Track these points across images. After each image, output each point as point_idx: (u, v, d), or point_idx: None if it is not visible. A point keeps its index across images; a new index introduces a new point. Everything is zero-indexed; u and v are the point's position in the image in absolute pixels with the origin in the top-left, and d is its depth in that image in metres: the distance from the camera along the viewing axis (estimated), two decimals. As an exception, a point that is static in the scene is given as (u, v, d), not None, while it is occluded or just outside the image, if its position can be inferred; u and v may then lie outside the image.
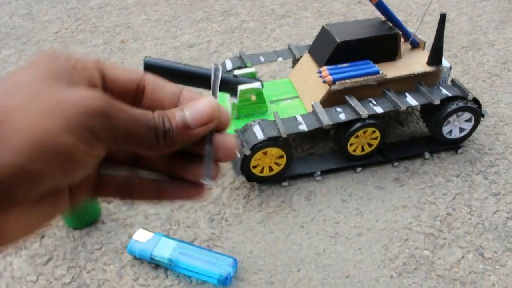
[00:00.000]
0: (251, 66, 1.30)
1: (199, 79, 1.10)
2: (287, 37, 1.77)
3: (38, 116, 0.19)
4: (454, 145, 1.24)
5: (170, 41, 1.80)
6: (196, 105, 0.24)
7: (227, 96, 1.22)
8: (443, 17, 1.14)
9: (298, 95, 1.26)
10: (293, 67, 1.44)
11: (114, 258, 1.00)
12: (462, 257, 0.99)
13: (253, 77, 1.21)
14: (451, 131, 1.21)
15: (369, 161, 1.20)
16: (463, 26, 1.77)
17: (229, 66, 1.31)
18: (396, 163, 1.21)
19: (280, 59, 1.35)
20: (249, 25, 1.87)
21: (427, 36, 1.60)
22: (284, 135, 1.06)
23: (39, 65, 0.22)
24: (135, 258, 1.00)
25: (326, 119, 1.09)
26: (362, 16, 1.88)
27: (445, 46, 1.40)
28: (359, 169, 1.19)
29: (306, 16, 1.91)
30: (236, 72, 1.21)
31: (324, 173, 1.18)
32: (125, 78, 0.25)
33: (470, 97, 1.16)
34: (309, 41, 1.67)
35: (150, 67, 1.05)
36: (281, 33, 1.80)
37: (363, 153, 1.18)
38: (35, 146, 0.19)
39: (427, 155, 1.22)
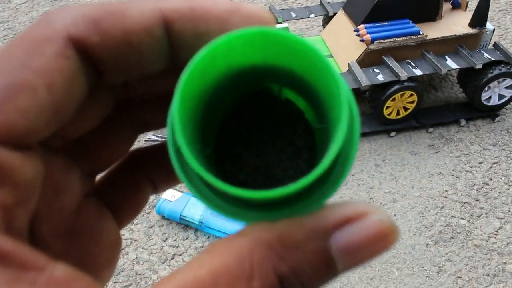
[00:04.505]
0: (282, 22, 1.23)
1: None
2: (314, -7, 1.69)
3: None
4: (492, 113, 1.19)
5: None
6: (352, 230, 0.13)
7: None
8: (492, -25, 1.07)
9: (331, 54, 1.20)
10: (323, 25, 1.37)
11: (141, 217, 0.97)
12: (500, 227, 0.96)
13: (286, 33, 1.15)
14: (490, 97, 1.16)
15: (403, 125, 1.15)
16: (499, -12, 1.69)
17: (258, 21, 1.24)
18: (430, 129, 1.16)
19: (312, 15, 1.28)
20: (273, -20, 1.78)
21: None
22: (320, 96, 1.01)
23: None
24: (163, 218, 0.97)
25: (364, 80, 1.04)
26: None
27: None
28: (393, 133, 1.15)
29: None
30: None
31: (357, 136, 1.14)
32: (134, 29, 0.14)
33: (514, 62, 1.11)
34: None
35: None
36: (307, -11, 1.71)
37: (398, 117, 1.13)
38: None
39: (462, 122, 1.18)
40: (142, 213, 0.98)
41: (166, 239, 0.94)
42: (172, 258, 0.91)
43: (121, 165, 0.19)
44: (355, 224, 0.13)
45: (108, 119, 0.17)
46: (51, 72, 0.13)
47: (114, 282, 0.89)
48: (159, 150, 0.19)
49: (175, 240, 0.94)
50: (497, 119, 1.19)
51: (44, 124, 0.13)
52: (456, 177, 1.05)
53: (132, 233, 0.95)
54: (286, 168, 0.17)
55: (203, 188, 0.14)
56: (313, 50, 0.13)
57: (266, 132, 0.18)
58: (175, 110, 0.13)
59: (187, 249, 0.92)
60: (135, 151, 0.20)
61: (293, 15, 1.27)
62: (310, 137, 0.18)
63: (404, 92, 1.07)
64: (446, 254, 0.91)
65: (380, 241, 0.13)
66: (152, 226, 0.96)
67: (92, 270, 0.17)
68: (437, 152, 1.11)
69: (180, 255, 0.91)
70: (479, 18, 1.12)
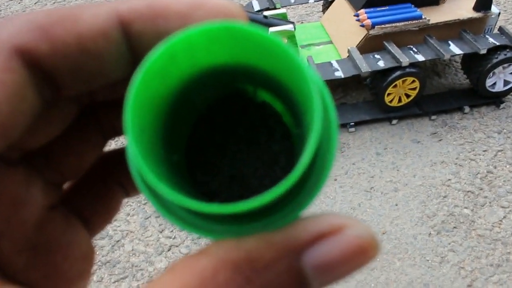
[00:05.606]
0: (281, 7, 1.20)
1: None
2: (314, -21, 1.65)
3: None
4: (496, 99, 1.16)
5: (188, -19, 1.69)
6: (327, 246, 0.12)
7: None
8: (497, -44, 1.03)
9: (331, 40, 1.17)
10: (323, 10, 1.34)
11: (137, 208, 0.96)
12: (504, 217, 0.94)
13: (284, 18, 1.12)
14: (494, 83, 1.13)
15: (405, 113, 1.12)
16: (505, -29, 1.64)
17: (256, 7, 1.21)
18: (433, 117, 1.13)
19: (311, 0, 1.25)
20: (272, -34, 1.74)
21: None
22: (319, 83, 0.99)
23: None
24: (159, 208, 0.95)
25: (364, 66, 1.01)
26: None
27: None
28: (394, 121, 1.12)
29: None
30: (266, 13, 1.12)
31: (358, 124, 1.11)
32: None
33: (520, 47, 1.07)
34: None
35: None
36: (308, -25, 1.68)
37: (400, 104, 1.10)
38: None
39: (466, 109, 1.15)
40: (138, 204, 0.97)
41: (162, 230, 0.92)
42: (169, 250, 0.89)
43: (89, 170, 0.17)
44: (330, 239, 0.12)
45: (72, 126, 0.16)
46: None
47: (110, 275, 0.88)
48: None
49: (172, 231, 0.92)
50: (502, 105, 1.16)
51: None
52: (460, 165, 1.03)
53: (128, 224, 0.93)
54: (262, 176, 0.16)
55: (163, 199, 0.13)
56: (282, 47, 0.12)
57: (241, 137, 0.16)
58: (127, 117, 0.11)
59: (184, 241, 0.90)
60: (103, 155, 0.18)
61: (292, 0, 1.24)
62: (288, 142, 0.16)
63: (405, 78, 1.04)
64: (449, 244, 0.89)
65: (357, 258, 0.12)
66: (148, 217, 0.94)
67: (63, 285, 0.16)
68: (440, 140, 1.09)
69: (177, 246, 0.90)
70: (484, 2, 1.09)
